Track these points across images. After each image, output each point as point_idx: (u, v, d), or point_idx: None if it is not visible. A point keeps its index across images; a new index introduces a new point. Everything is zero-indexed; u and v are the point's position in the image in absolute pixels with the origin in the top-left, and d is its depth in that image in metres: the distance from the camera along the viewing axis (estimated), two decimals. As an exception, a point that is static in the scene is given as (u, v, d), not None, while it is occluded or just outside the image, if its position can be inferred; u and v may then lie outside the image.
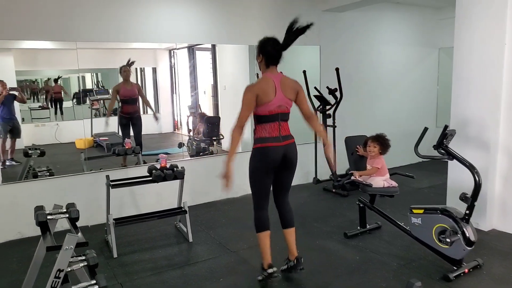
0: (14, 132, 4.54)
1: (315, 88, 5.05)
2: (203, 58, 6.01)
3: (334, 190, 5.26)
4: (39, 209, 2.65)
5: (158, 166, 3.84)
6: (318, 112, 5.17)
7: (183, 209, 3.85)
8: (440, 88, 7.00)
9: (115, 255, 3.51)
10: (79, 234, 2.48)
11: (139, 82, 5.66)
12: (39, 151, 4.62)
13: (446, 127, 3.11)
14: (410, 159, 6.57)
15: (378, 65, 6.31)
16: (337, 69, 4.85)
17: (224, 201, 5.03)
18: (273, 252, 3.01)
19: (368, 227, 3.94)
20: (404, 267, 3.21)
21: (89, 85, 5.61)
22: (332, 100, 5.08)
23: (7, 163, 4.45)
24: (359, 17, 5.93)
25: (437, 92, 7.08)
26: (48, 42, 4.30)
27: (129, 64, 5.00)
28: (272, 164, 2.83)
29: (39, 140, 4.72)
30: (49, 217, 2.62)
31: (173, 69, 5.89)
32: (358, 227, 3.92)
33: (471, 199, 3.01)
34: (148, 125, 5.47)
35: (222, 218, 4.46)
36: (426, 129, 3.21)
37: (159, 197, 4.58)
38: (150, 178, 3.72)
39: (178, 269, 3.27)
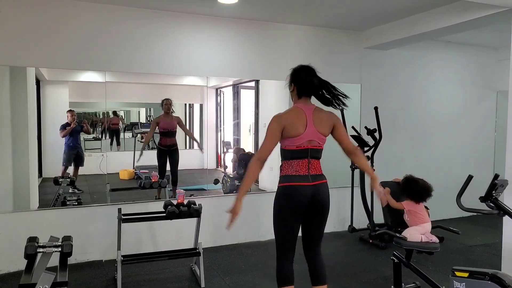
0: (78, 160, 4.75)
1: (353, 127, 4.69)
2: (247, 96, 5.99)
3: (371, 241, 4.74)
4: (31, 240, 2.49)
5: (175, 202, 3.64)
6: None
7: (197, 250, 3.57)
8: (498, 134, 6.32)
9: (120, 295, 3.27)
10: (65, 272, 2.28)
11: (188, 118, 5.75)
12: (69, 180, 4.66)
13: (496, 176, 2.64)
14: (461, 212, 5.83)
15: (427, 107, 5.83)
16: (376, 108, 4.49)
17: (248, 244, 4.69)
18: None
19: (404, 286, 3.40)
20: None
21: (142, 119, 5.92)
22: (371, 142, 4.68)
23: (70, 190, 4.56)
24: (404, 55, 5.58)
25: (495, 139, 6.39)
26: (99, 76, 4.42)
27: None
28: (298, 206, 2.48)
29: (87, 169, 4.82)
30: (40, 249, 2.45)
31: (219, 106, 5.94)
32: (392, 286, 3.40)
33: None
34: (192, 160, 5.43)
35: (242, 263, 4.11)
36: (470, 177, 2.74)
37: (180, 235, 4.34)
38: (164, 214, 3.51)
39: (182, 318, 2.96)
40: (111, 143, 5.26)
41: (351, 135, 4.67)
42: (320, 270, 2.65)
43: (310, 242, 2.65)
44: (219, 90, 5.90)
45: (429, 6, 4.15)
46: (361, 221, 5.15)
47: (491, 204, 2.63)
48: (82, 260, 4.08)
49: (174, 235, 4.35)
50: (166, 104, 4.96)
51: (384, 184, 3.62)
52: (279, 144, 2.55)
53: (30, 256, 2.37)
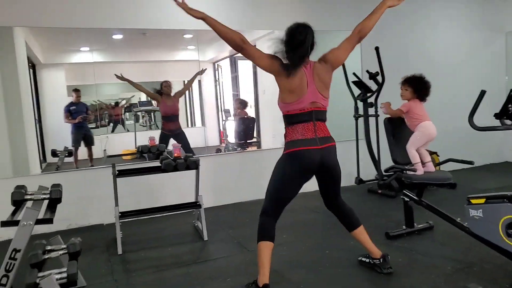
0: (88, 140, 4.61)
1: (354, 74, 4.47)
2: (245, 67, 5.80)
3: (380, 191, 4.57)
4: (18, 187, 2.35)
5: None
6: (358, 101, 4.56)
7: (197, 203, 3.43)
8: (510, 78, 6.04)
9: (120, 252, 3.14)
10: (52, 214, 2.14)
11: (188, 96, 5.50)
12: (66, 152, 4.54)
13: (510, 96, 2.43)
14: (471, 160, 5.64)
15: (431, 51, 5.53)
16: (376, 48, 4.25)
17: (254, 202, 4.52)
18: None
19: (416, 226, 3.24)
20: (461, 271, 2.50)
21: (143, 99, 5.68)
22: (374, 87, 4.46)
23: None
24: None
25: (506, 83, 6.12)
26: (97, 56, 4.38)
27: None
28: (306, 172, 2.32)
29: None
30: (27, 196, 2.31)
31: (217, 82, 5.77)
32: (404, 227, 3.24)
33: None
34: (194, 139, 5.13)
35: (246, 218, 3.97)
36: (483, 92, 2.52)
37: (181, 193, 4.15)
38: (160, 167, 3.35)
39: (183, 268, 2.82)
40: (113, 130, 5.11)
41: (352, 81, 4.48)
42: (349, 216, 2.56)
43: (329, 197, 2.54)
44: (216, 64, 5.72)
45: None
46: (368, 174, 4.97)
47: (508, 120, 2.43)
48: (83, 224, 3.97)
49: (175, 194, 4.20)
50: (166, 86, 4.73)
51: (388, 120, 3.45)
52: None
53: (17, 202, 2.24)
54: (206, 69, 5.11)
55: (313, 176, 2.39)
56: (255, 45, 2.39)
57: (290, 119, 2.33)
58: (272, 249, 2.34)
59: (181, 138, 4.77)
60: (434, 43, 5.61)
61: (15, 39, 4.07)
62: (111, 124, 5.12)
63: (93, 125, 4.82)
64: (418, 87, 3.28)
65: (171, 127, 4.80)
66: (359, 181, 4.77)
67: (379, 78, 4.30)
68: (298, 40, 2.22)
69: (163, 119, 4.84)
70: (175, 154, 3.52)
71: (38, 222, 1.93)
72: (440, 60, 5.62)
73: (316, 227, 3.61)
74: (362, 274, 2.57)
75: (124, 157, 4.87)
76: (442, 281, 2.38)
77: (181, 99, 5.31)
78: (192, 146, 4.82)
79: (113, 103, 5.12)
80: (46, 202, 2.35)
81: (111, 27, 4.27)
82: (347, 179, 5.09)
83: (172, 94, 4.78)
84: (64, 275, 2.05)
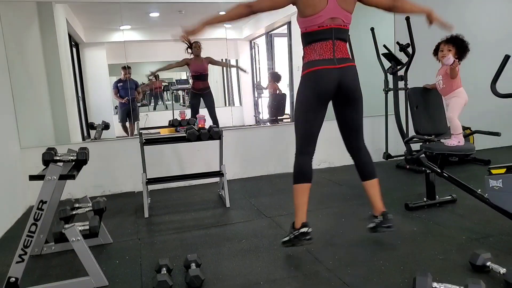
0: (133, 115, 4.90)
1: (384, 46, 4.35)
2: (281, 44, 5.81)
3: (408, 166, 4.49)
4: (49, 149, 2.55)
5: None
6: (388, 75, 4.46)
7: (220, 172, 3.55)
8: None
9: (146, 215, 3.34)
10: (77, 172, 2.32)
11: (224, 75, 5.65)
12: (103, 125, 4.82)
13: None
14: (505, 141, 5.37)
15: (472, 23, 5.26)
16: (407, 18, 4.09)
17: (279, 175, 4.61)
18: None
19: (438, 199, 3.19)
20: (475, 241, 2.46)
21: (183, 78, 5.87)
22: (405, 60, 4.33)
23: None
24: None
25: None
26: (136, 35, 4.65)
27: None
28: (323, 92, 2.22)
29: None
30: (56, 157, 2.51)
31: (254, 60, 5.83)
32: (424, 199, 3.20)
33: None
34: (231, 118, 5.31)
35: (269, 188, 4.06)
36: (507, 57, 2.39)
37: (207, 166, 4.33)
38: (185, 136, 3.49)
39: (203, 230, 2.96)
40: (155, 108, 5.39)
41: (382, 54, 4.38)
42: (366, 164, 2.46)
43: (349, 135, 2.44)
44: (252, 42, 5.77)
45: None
46: (397, 149, 4.88)
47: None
48: (116, 191, 4.23)
49: (203, 164, 4.35)
50: (196, 47, 4.87)
51: (412, 89, 3.36)
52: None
53: (47, 162, 2.43)
54: (246, 71, 5.37)
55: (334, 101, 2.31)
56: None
57: (308, 37, 2.25)
58: (310, 189, 2.34)
59: (208, 99, 4.98)
60: (475, 15, 5.32)
61: (55, 16, 4.32)
62: (152, 103, 5.37)
63: (139, 104, 5.11)
64: (462, 46, 3.09)
65: (200, 86, 4.97)
66: (387, 156, 4.70)
67: (410, 50, 4.16)
68: None
69: (193, 78, 5.01)
70: (200, 125, 3.65)
71: (62, 177, 2.12)
72: (480, 34, 5.32)
73: (337, 198, 3.62)
74: (373, 240, 2.58)
75: (161, 131, 5.13)
76: (454, 249, 2.36)
77: (219, 79, 5.44)
78: (229, 124, 4.96)
79: (152, 78, 5.34)
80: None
81: (147, 1, 4.37)
82: (376, 155, 5.02)
83: (203, 56, 4.91)
84: (87, 227, 2.24)
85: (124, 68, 4.78)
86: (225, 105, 5.69)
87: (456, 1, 5.25)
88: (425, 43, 4.34)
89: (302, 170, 2.36)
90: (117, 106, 5.03)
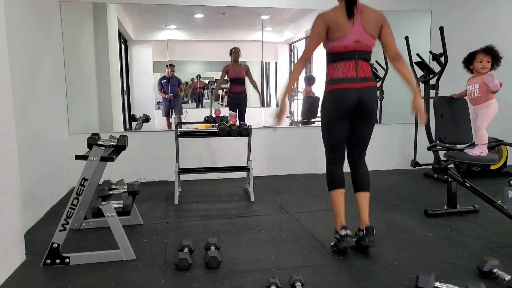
0: (176, 109, 5.25)
1: (417, 54, 4.38)
2: (319, 49, 5.91)
3: (435, 176, 4.49)
4: (93, 134, 2.84)
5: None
6: (419, 82, 4.48)
7: (247, 167, 3.74)
8: None
9: (176, 202, 3.59)
10: (115, 156, 2.58)
11: (263, 76, 5.86)
12: (144, 117, 5.14)
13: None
14: None
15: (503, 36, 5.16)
16: (441, 29, 4.12)
17: (305, 175, 4.74)
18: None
19: (459, 207, 3.22)
20: (489, 250, 2.50)
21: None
22: (437, 69, 4.34)
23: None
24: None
25: None
26: (181, 34, 5.04)
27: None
28: (345, 108, 2.39)
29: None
30: (99, 142, 2.79)
31: (292, 63, 6.01)
32: (445, 206, 3.23)
33: None
34: (268, 120, 5.53)
35: (294, 187, 4.21)
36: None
37: (239, 161, 4.52)
38: (216, 131, 3.71)
39: (226, 219, 3.16)
40: (197, 106, 5.72)
41: (415, 62, 4.41)
42: (363, 177, 2.58)
43: (354, 147, 2.57)
44: (292, 45, 5.92)
45: None
46: (426, 158, 4.87)
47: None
48: (151, 179, 4.52)
49: (233, 160, 4.53)
50: (235, 53, 5.13)
51: (439, 98, 3.40)
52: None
53: (90, 146, 2.71)
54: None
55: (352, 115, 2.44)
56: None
57: (334, 57, 2.41)
58: (344, 194, 2.52)
59: (242, 102, 5.22)
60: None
61: (108, 15, 4.69)
62: (193, 101, 5.70)
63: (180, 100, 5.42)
64: (497, 57, 3.11)
65: (236, 90, 5.21)
66: (415, 164, 4.71)
67: (443, 60, 4.18)
68: None
69: (230, 82, 5.24)
70: (231, 122, 3.87)
71: (102, 159, 2.38)
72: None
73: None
74: (385, 240, 2.67)
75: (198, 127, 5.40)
76: (466, 255, 2.41)
77: (258, 80, 5.63)
78: (265, 125, 5.16)
79: (195, 78, 5.69)
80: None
81: (192, 4, 4.63)
82: (405, 162, 5.07)
83: (241, 62, 5.16)
84: (121, 205, 2.49)
85: (168, 65, 5.09)
86: (262, 105, 5.87)
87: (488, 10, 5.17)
88: (457, 54, 4.36)
89: (333, 178, 2.56)
90: (159, 101, 5.36)
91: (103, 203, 2.45)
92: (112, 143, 2.80)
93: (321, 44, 2.45)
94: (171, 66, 5.12)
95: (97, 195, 2.72)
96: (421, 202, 3.58)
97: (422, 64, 4.33)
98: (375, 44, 2.44)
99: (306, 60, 2.49)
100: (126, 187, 2.83)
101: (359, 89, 2.37)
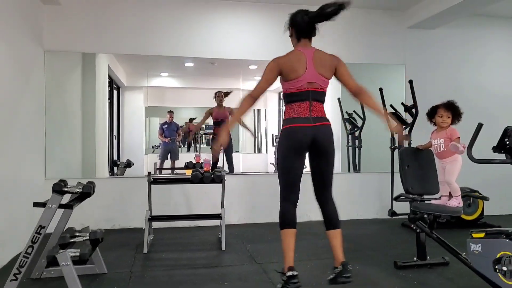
0: (172, 154, 5.34)
1: (391, 106, 4.51)
2: None
3: (412, 226, 4.45)
4: (60, 181, 2.85)
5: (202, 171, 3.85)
6: (394, 133, 4.58)
7: (219, 215, 3.72)
8: None
9: (145, 251, 3.53)
10: (77, 203, 2.58)
11: (256, 123, 5.98)
12: (126, 163, 5.17)
13: (506, 130, 2.42)
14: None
15: (483, 90, 5.37)
16: (410, 82, 4.28)
17: (283, 224, 4.70)
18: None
19: (429, 259, 3.19)
20: (452, 305, 2.46)
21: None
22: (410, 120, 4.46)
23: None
24: (454, 34, 5.27)
25: None
26: (172, 81, 5.29)
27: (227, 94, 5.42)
28: (298, 146, 2.45)
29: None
30: (65, 189, 2.79)
31: (281, 111, 6.15)
32: (415, 258, 3.20)
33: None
34: (258, 166, 5.61)
35: (269, 236, 4.15)
36: (480, 125, 2.52)
37: (214, 208, 4.50)
38: (189, 178, 3.72)
39: (193, 269, 3.11)
40: (188, 149, 5.70)
41: (389, 113, 4.52)
42: (332, 214, 2.56)
43: (319, 186, 2.59)
44: (281, 93, 6.07)
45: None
46: (405, 208, 4.87)
47: (504, 153, 2.40)
48: (125, 226, 4.47)
49: (210, 207, 4.48)
50: (219, 97, 5.29)
51: (405, 149, 3.47)
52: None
53: (56, 192, 2.72)
54: (253, 135, 5.65)
55: (307, 152, 2.50)
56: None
57: (289, 98, 2.51)
58: (295, 234, 2.47)
59: (228, 145, 5.14)
60: (490, 81, 5.43)
61: (97, 63, 4.83)
62: (185, 145, 5.74)
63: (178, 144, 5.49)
64: (458, 112, 3.24)
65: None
66: (392, 213, 4.69)
67: (414, 111, 4.30)
68: (300, 23, 2.51)
69: (214, 124, 5.36)
70: (205, 168, 3.88)
71: (61, 206, 2.38)
72: (493, 99, 5.40)
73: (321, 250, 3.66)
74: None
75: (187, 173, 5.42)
76: (427, 310, 2.37)
77: (250, 127, 5.70)
78: (254, 171, 5.22)
79: (187, 120, 5.71)
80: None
81: (182, 56, 4.84)
82: (383, 212, 5.06)
83: (225, 104, 5.29)
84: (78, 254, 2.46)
85: (169, 111, 5.32)
86: (254, 151, 5.91)
87: (473, 65, 5.40)
88: (430, 105, 4.51)
89: (285, 217, 2.53)
90: (154, 145, 5.42)
91: (60, 251, 2.42)
92: (78, 190, 2.81)
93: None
94: (170, 112, 5.31)
95: (58, 243, 2.68)
96: (393, 252, 3.55)
97: (395, 115, 4.43)
98: (329, 86, 2.54)
99: (253, 98, 2.53)
100: (88, 234, 2.80)
101: (312, 127, 2.45)
